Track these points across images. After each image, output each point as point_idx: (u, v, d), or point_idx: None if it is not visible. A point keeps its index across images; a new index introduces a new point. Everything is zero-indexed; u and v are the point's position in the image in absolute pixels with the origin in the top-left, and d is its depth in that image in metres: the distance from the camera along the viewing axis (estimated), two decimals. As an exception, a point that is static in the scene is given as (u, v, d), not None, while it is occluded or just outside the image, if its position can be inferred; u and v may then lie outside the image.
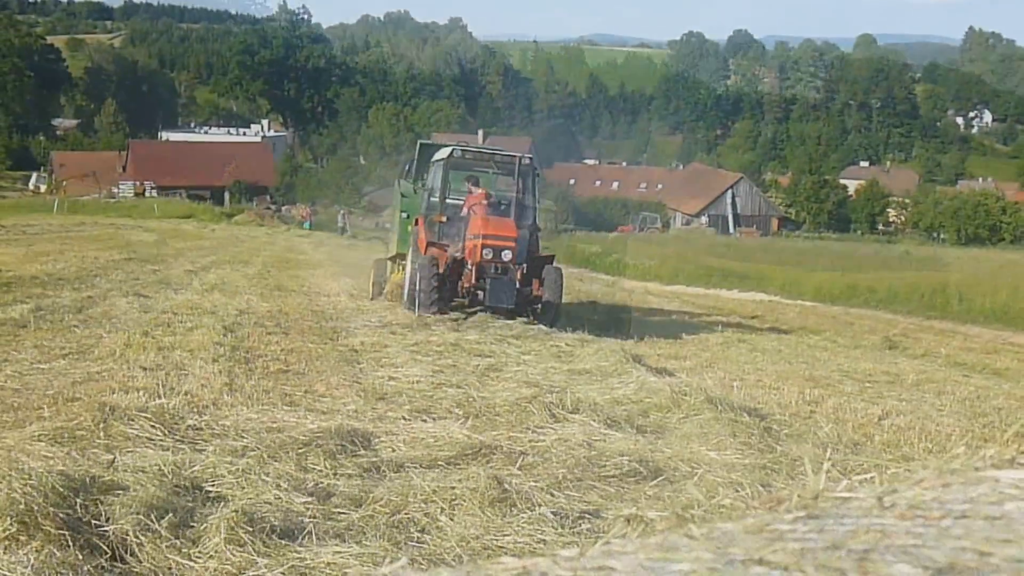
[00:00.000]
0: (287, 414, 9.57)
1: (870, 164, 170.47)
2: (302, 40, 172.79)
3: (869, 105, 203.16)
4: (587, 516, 6.87)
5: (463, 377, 12.52)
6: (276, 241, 55.11)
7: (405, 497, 6.92)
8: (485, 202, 19.37)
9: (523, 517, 6.59)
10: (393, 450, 8.52)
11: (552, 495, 7.29)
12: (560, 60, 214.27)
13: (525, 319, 17.80)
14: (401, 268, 21.33)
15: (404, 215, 21.91)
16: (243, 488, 6.98)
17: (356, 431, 8.74)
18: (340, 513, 6.68)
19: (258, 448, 8.03)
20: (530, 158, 19.88)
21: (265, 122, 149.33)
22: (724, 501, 2.42)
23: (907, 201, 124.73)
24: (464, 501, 6.79)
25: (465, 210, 19.59)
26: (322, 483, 7.36)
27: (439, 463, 8.07)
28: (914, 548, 1.51)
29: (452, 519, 6.57)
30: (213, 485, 7.07)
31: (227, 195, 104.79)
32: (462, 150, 20.06)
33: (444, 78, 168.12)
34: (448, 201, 19.91)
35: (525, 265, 18.54)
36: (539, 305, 18.45)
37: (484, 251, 18.01)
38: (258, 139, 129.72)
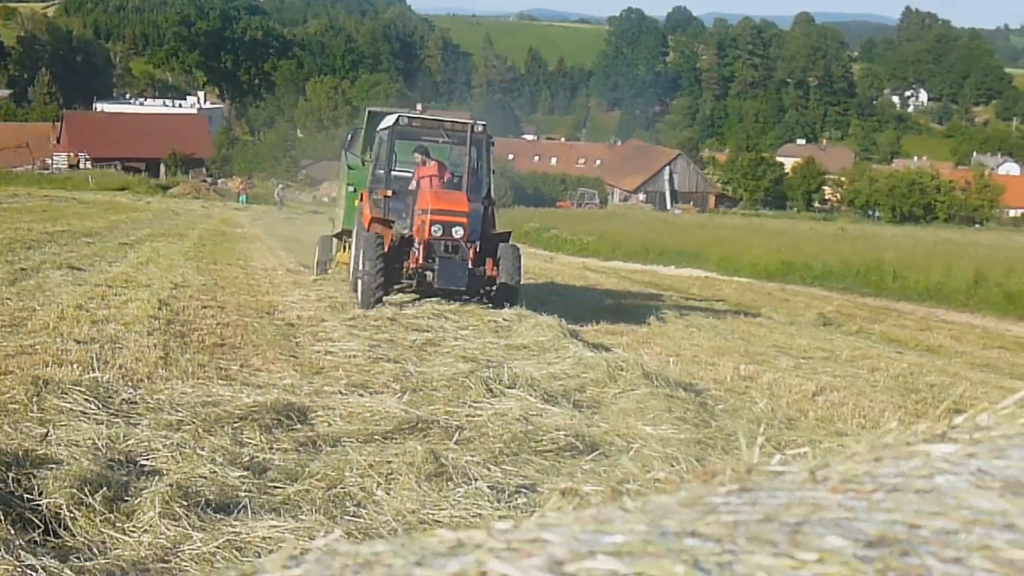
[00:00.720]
0: (223, 388, 9.51)
1: (807, 142, 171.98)
2: (239, 11, 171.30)
3: (806, 83, 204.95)
4: (523, 490, 6.91)
5: (400, 352, 12.52)
6: (212, 214, 54.67)
7: (341, 471, 6.91)
8: (435, 175, 17.84)
9: (459, 491, 6.61)
10: (329, 424, 8.51)
11: (488, 469, 7.32)
12: (499, 34, 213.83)
13: (478, 303, 16.47)
14: (347, 246, 19.84)
15: (351, 188, 20.35)
16: (178, 462, 6.94)
17: (292, 405, 8.72)
18: (276, 487, 6.66)
19: (193, 422, 7.98)
20: (483, 125, 18.34)
21: (201, 94, 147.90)
22: (659, 475, 2.42)
23: (843, 179, 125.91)
24: (400, 475, 6.79)
25: (414, 183, 17.98)
26: (258, 457, 7.33)
27: (376, 437, 8.07)
28: (846, 520, 1.53)
29: (388, 493, 6.58)
30: (148, 459, 7.03)
31: (162, 167, 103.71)
32: (408, 117, 18.10)
33: (383, 51, 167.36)
34: (395, 174, 18.39)
35: (478, 243, 16.89)
36: (494, 288, 16.84)
37: (433, 227, 16.32)
38: (194, 111, 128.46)
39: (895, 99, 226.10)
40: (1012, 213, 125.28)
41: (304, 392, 9.67)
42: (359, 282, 16.58)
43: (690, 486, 1.91)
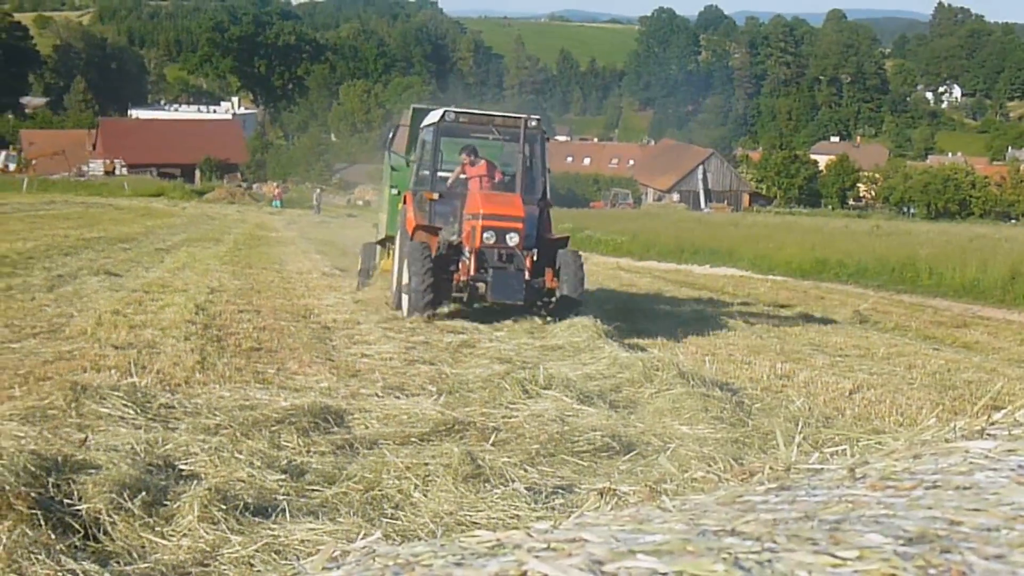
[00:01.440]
0: (259, 392, 9.54)
1: (840, 139, 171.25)
2: (272, 17, 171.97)
3: (839, 80, 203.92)
4: (560, 491, 6.90)
5: (436, 354, 12.53)
6: (247, 219, 54.90)
7: (378, 474, 6.92)
8: (484, 175, 16.52)
9: (496, 493, 6.60)
10: (366, 427, 8.52)
11: (525, 470, 7.31)
12: (531, 36, 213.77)
13: (537, 316, 15.35)
14: (391, 253, 18.21)
15: (394, 191, 18.73)
16: (216, 466, 6.96)
17: (329, 408, 8.73)
18: (314, 490, 6.67)
19: (231, 426, 8.01)
20: (537, 119, 16.52)
21: (235, 99, 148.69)
22: (696, 474, 2.43)
23: (877, 176, 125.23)
24: (437, 477, 6.79)
25: (453, 182, 16.71)
26: (295, 460, 7.35)
27: (412, 439, 8.07)
28: (885, 518, 1.52)
29: (426, 495, 6.58)
30: (186, 463, 7.05)
31: (198, 173, 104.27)
32: (455, 112, 16.55)
33: (415, 54, 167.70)
34: (441, 174, 16.83)
35: (535, 250, 15.30)
36: (552, 299, 15.46)
37: (485, 234, 14.95)
38: (228, 116, 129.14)
39: (928, 95, 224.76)
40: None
41: (340, 395, 9.68)
42: (406, 296, 15.22)
43: (728, 485, 1.91)
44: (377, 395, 9.75)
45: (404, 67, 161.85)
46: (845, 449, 2.32)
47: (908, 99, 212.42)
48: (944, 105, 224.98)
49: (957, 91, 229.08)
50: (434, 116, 16.69)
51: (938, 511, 1.56)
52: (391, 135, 19.16)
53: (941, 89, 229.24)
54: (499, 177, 16.76)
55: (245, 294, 18.09)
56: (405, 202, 16.83)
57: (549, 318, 15.17)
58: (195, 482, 6.56)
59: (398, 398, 9.59)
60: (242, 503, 6.17)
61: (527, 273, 15.06)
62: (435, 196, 16.13)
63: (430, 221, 15.91)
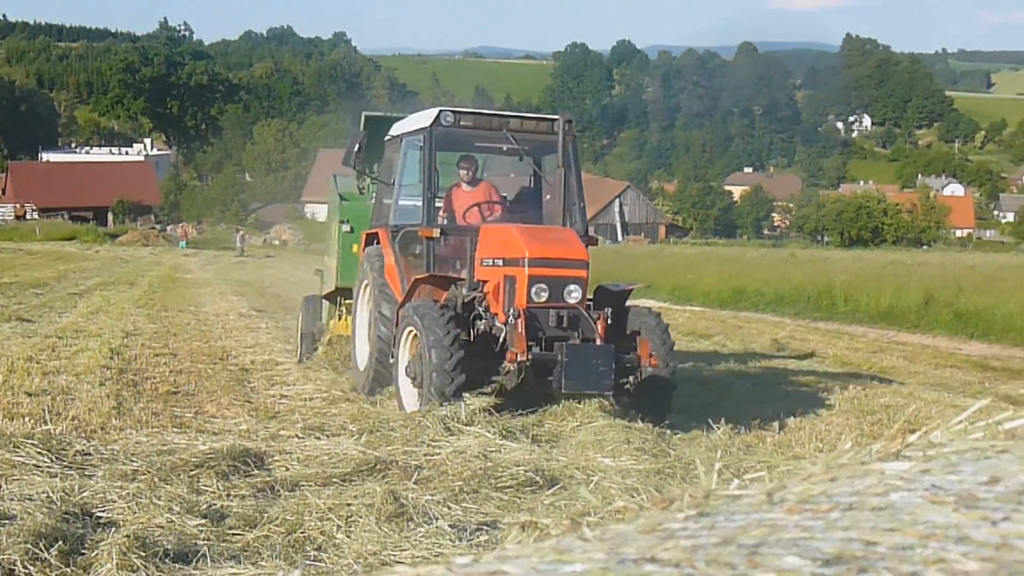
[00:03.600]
0: (177, 436, 9.42)
1: (754, 170, 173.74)
2: (184, 57, 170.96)
3: (751, 112, 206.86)
4: (484, 527, 6.88)
5: (357, 393, 12.46)
6: (162, 261, 54.36)
7: (300, 515, 6.85)
8: (485, 202, 12.85)
9: (420, 531, 6.57)
10: (287, 469, 8.45)
11: (449, 508, 7.28)
12: (446, 73, 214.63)
13: (619, 404, 11.09)
14: (345, 312, 14.66)
15: (346, 228, 14.91)
16: (134, 512, 6.85)
17: (249, 451, 8.65)
18: (235, 534, 6.60)
19: (149, 471, 7.90)
20: (570, 120, 12.29)
21: (148, 141, 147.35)
22: (618, 504, 2.43)
23: (791, 205, 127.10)
24: (360, 517, 6.75)
25: (459, 213, 12.65)
26: (215, 504, 7.26)
27: (334, 480, 8.01)
28: (803, 540, 1.54)
29: (349, 536, 6.53)
30: (103, 511, 6.94)
31: (111, 215, 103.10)
32: (454, 112, 12.26)
33: (329, 93, 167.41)
34: (405, 202, 12.84)
35: (609, 310, 11.03)
36: (635, 376, 11.24)
37: (534, 288, 10.76)
38: (141, 158, 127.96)
39: (839, 125, 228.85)
40: (958, 233, 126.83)
41: (260, 437, 9.60)
42: (406, 378, 11.28)
43: (648, 514, 1.92)
44: (297, 436, 9.67)
45: (319, 105, 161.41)
46: (764, 475, 2.35)
47: (820, 129, 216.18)
48: (855, 134, 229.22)
49: (867, 120, 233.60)
50: (422, 118, 12.46)
51: (854, 532, 1.58)
52: (357, 148, 12.89)
53: (852, 119, 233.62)
54: (498, 210, 12.85)
55: (161, 337, 17.90)
56: (371, 243, 13.11)
57: (634, 410, 10.92)
58: (113, 530, 6.45)
59: (319, 439, 9.52)
60: (162, 549, 6.08)
61: (605, 342, 10.74)
62: (435, 233, 11.89)
63: (428, 268, 11.84)
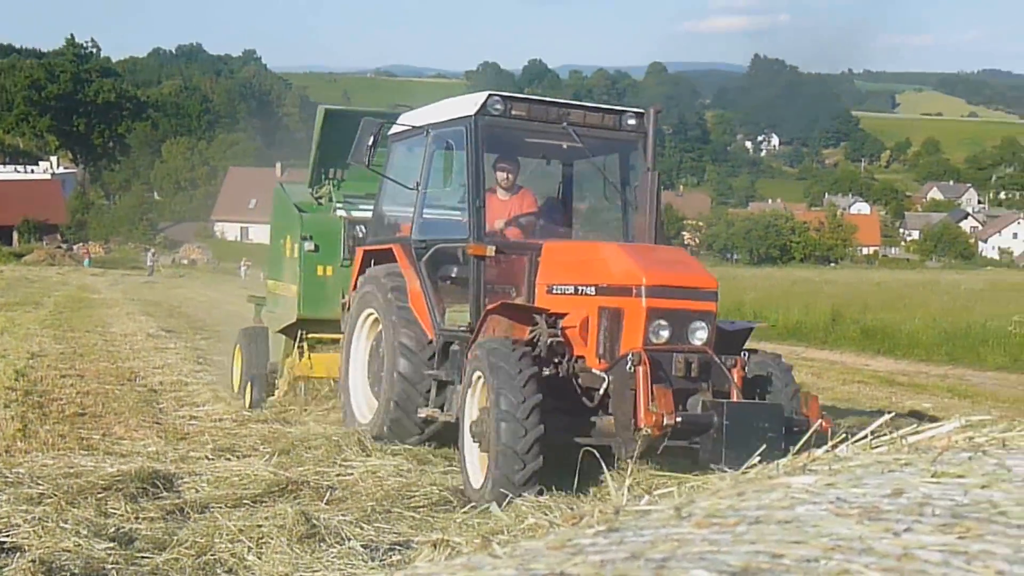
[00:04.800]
0: (85, 458, 9.28)
1: (664, 188, 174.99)
2: (91, 74, 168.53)
3: (662, 131, 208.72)
4: (397, 547, 6.86)
5: (269, 412, 12.35)
6: (68, 281, 53.48)
7: (211, 538, 6.78)
8: (532, 212, 10.80)
9: (332, 552, 6.53)
10: (197, 490, 8.35)
11: (362, 528, 7.25)
12: (357, 91, 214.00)
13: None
14: (307, 349, 12.68)
15: (309, 246, 12.63)
16: (40, 537, 6.73)
17: (158, 473, 8.54)
18: (144, 557, 6.50)
19: (55, 495, 7.76)
20: (656, 110, 10.04)
21: (54, 159, 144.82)
22: (529, 522, 2.45)
23: (701, 224, 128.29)
24: (272, 539, 6.69)
25: (495, 228, 10.23)
26: (123, 528, 7.16)
27: (245, 501, 7.94)
28: (710, 554, 1.56)
29: (260, 557, 6.47)
30: (7, 535, 6.81)
31: (15, 235, 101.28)
32: (502, 98, 9.90)
33: (239, 111, 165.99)
34: (392, 210, 11.28)
35: (747, 356, 9.14)
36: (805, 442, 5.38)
37: (654, 324, 8.61)
38: (47, 176, 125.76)
39: (748, 144, 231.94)
40: (864, 251, 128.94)
41: (169, 459, 9.48)
42: (495, 462, 8.19)
43: (559, 530, 1.93)
44: (207, 457, 9.58)
45: (229, 124, 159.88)
46: (673, 491, 2.37)
47: (729, 148, 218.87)
48: (763, 153, 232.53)
49: (775, 139, 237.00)
50: (461, 105, 10.17)
51: (761, 545, 1.60)
52: (372, 141, 10.14)
53: (760, 138, 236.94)
54: (537, 226, 10.75)
55: (68, 358, 17.60)
56: (370, 263, 11.07)
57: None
58: (18, 555, 6.33)
59: (229, 460, 9.43)
60: (69, 574, 5.98)
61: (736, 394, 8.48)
62: (489, 251, 9.56)
63: (479, 295, 9.60)
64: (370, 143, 10.08)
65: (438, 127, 10.41)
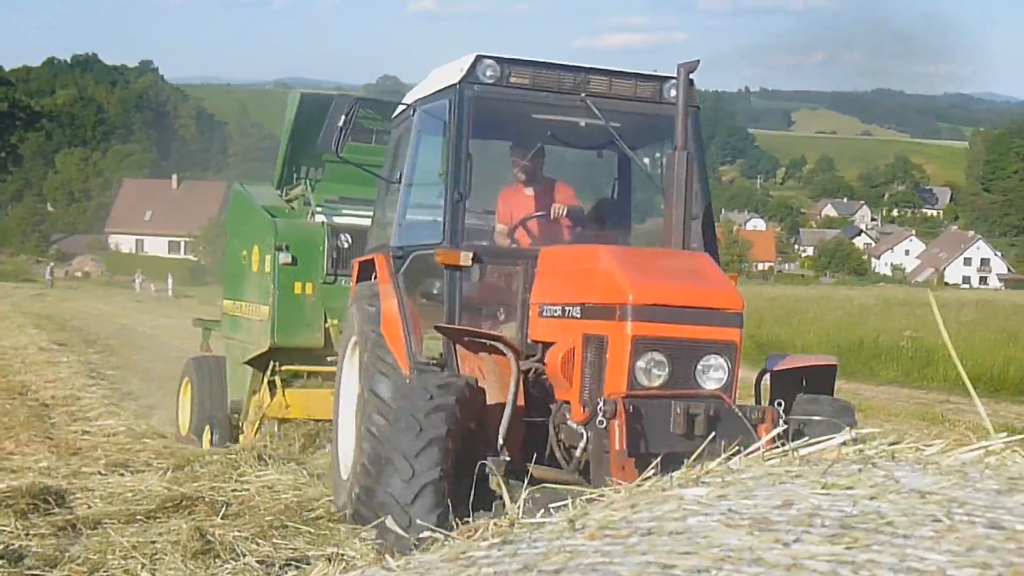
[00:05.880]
0: (-27, 474, 9.10)
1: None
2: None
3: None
4: (293, 562, 6.81)
5: (165, 427, 12.20)
6: (-43, 294, 52.34)
7: (103, 554, 6.68)
8: (564, 213, 8.37)
9: (227, 568, 6.47)
10: (89, 506, 8.22)
11: (257, 544, 7.19)
12: (255, 103, 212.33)
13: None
14: (281, 387, 10.83)
15: (285, 258, 10.65)
16: (-75, 555, 6.58)
17: (49, 488, 8.38)
18: (33, 574, 6.39)
19: (-58, 511, 7.60)
20: (692, 73, 7.45)
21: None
22: (423, 535, 2.46)
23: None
24: (166, 555, 6.61)
25: (519, 231, 8.34)
26: (13, 544, 7.02)
27: (138, 517, 7.83)
28: (602, 565, 1.57)
29: (154, 574, 6.39)
30: None
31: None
32: (496, 61, 7.73)
33: (135, 121, 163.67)
34: (416, 216, 8.46)
35: (780, 405, 7.06)
36: None
37: (643, 359, 6.46)
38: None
39: (646, 160, 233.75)
40: (760, 267, 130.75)
41: (61, 474, 9.32)
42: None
43: (453, 543, 1.94)
44: (100, 473, 9.43)
45: (124, 134, 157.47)
46: (567, 503, 2.39)
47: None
48: (660, 170, 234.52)
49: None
50: (448, 73, 7.99)
51: (652, 556, 1.62)
52: (343, 122, 8.23)
53: (657, 154, 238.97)
54: (575, 228, 8.55)
55: (-44, 372, 17.23)
56: (365, 276, 8.65)
57: None
58: (-98, 574, 6.19)
59: (123, 475, 9.31)
60: (-45, 592, 5.86)
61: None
62: (463, 260, 7.43)
63: (452, 316, 7.51)
64: (340, 124, 8.14)
65: (424, 103, 8.36)
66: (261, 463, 9.61)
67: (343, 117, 8.17)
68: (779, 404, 6.96)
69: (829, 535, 1.87)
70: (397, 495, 6.25)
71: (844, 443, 3.13)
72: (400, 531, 4.52)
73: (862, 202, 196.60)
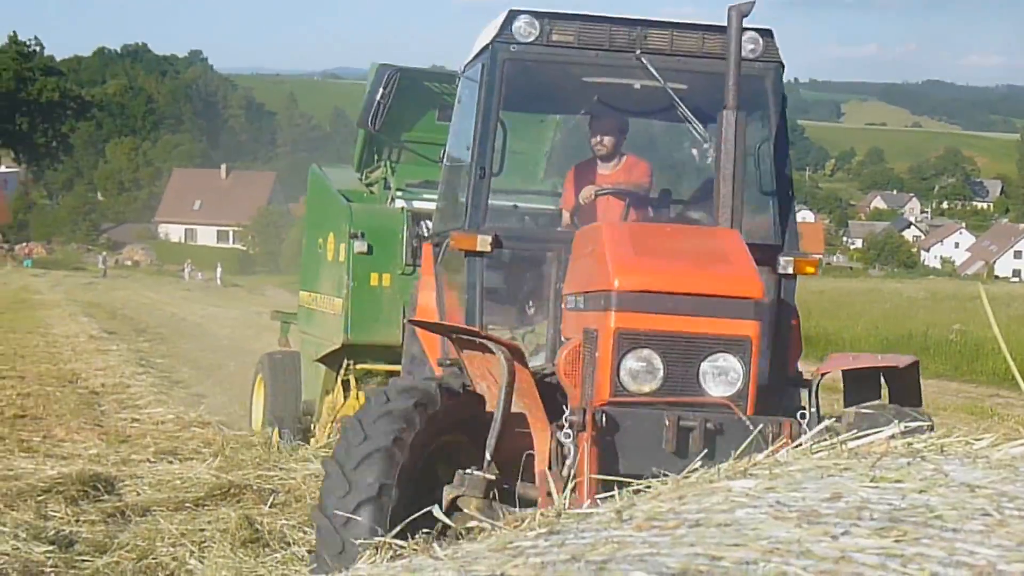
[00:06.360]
0: (24, 461, 9.21)
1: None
2: (34, 73, 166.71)
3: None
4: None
5: (213, 415, 12.29)
6: (10, 281, 52.89)
7: (152, 541, 6.74)
8: (646, 188, 7.50)
9: (276, 557, 6.51)
10: (138, 493, 8.30)
11: (304, 532, 7.22)
12: (304, 93, 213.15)
13: None
14: (356, 387, 9.92)
15: (360, 246, 9.65)
16: (-23, 540, 6.67)
17: (99, 475, 8.47)
18: (83, 561, 6.46)
19: (-7, 497, 7.70)
20: (770, 31, 6.80)
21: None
22: (471, 524, 2.47)
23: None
24: (214, 543, 6.66)
25: (588, 213, 7.21)
26: (63, 531, 7.10)
27: (187, 505, 7.89)
28: (649, 556, 1.57)
29: (202, 562, 6.44)
30: (-55, 539, 6.74)
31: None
32: (533, 17, 6.61)
33: (184, 111, 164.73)
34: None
35: (807, 415, 5.68)
36: None
37: (627, 358, 5.41)
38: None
39: (694, 152, 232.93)
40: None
41: (111, 461, 9.41)
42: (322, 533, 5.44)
43: (500, 533, 1.94)
44: (149, 460, 9.51)
45: (173, 124, 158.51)
46: (614, 494, 2.39)
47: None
48: (708, 161, 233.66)
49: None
50: (489, 30, 6.89)
51: (700, 547, 1.62)
52: (380, 96, 8.38)
53: (706, 146, 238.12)
54: (649, 211, 7.45)
55: (8, 359, 17.41)
56: (443, 260, 7.22)
57: None
58: (-45, 558, 6.27)
59: (171, 463, 9.38)
60: (6, 578, 5.93)
61: None
62: (483, 244, 6.43)
63: (472, 311, 6.53)
64: (378, 98, 7.61)
65: (465, 69, 7.39)
66: (304, 454, 9.65)
67: (381, 90, 7.58)
68: (802, 415, 5.54)
69: (878, 528, 1.86)
70: (329, 513, 5.23)
71: (892, 436, 3.11)
72: (448, 520, 3.85)
73: (912, 194, 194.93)
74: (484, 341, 5.54)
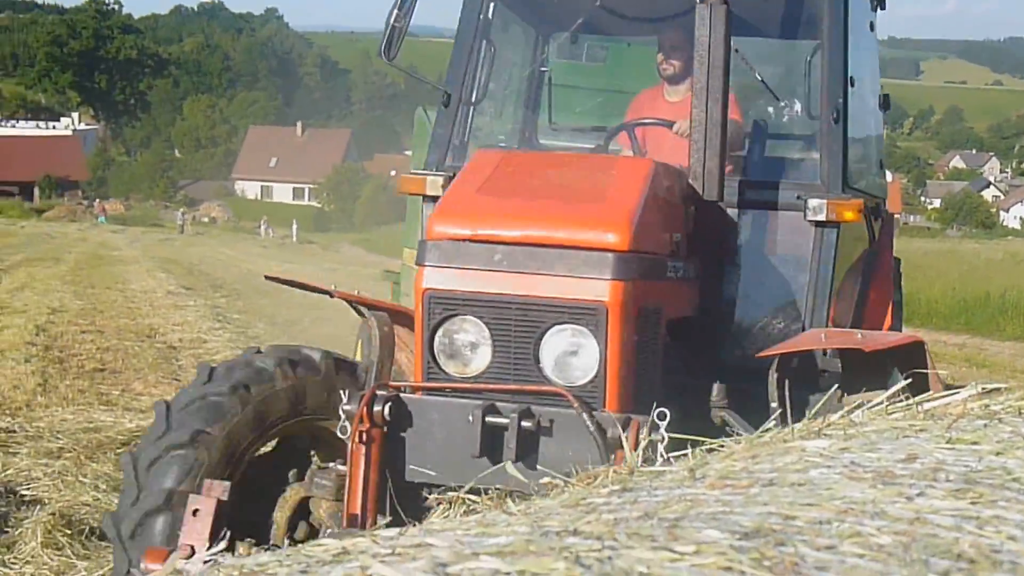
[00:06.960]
0: (104, 414, 9.35)
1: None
2: (113, 31, 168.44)
3: None
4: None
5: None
6: (88, 237, 53.63)
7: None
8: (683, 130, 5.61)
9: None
10: (214, 446, 8.40)
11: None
12: (378, 51, 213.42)
13: None
14: None
15: None
16: (60, 490, 6.80)
17: (176, 428, 8.58)
18: (161, 511, 6.56)
19: (74, 449, 7.84)
20: None
21: (75, 115, 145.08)
22: (544, 480, 2.47)
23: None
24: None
25: (651, 148, 6.01)
26: (141, 482, 7.21)
27: (262, 457, 7.98)
28: (723, 514, 1.57)
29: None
30: (28, 489, 6.88)
31: (36, 191, 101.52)
32: None
33: (260, 69, 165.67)
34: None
35: (667, 415, 3.91)
36: None
37: (437, 328, 4.20)
38: (68, 132, 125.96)
39: (770, 109, 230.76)
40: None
41: (188, 414, 9.53)
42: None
43: (572, 489, 1.95)
44: (225, 414, 9.61)
45: (249, 82, 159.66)
46: (687, 452, 2.38)
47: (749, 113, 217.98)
48: (786, 119, 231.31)
49: (798, 106, 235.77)
50: None
51: (773, 507, 1.61)
52: (395, 26, 6.07)
53: (783, 104, 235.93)
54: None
55: (87, 314, 17.66)
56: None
57: None
58: (38, 507, 6.40)
59: (247, 416, 9.47)
60: (87, 527, 6.04)
61: None
62: (434, 188, 5.67)
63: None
64: (392, 21, 5.92)
65: None
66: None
67: (394, 11, 5.89)
68: (661, 413, 3.87)
69: (954, 490, 1.84)
70: (118, 523, 4.41)
71: (969, 398, 3.08)
72: (521, 476, 3.44)
73: (991, 154, 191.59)
74: (358, 305, 4.85)
